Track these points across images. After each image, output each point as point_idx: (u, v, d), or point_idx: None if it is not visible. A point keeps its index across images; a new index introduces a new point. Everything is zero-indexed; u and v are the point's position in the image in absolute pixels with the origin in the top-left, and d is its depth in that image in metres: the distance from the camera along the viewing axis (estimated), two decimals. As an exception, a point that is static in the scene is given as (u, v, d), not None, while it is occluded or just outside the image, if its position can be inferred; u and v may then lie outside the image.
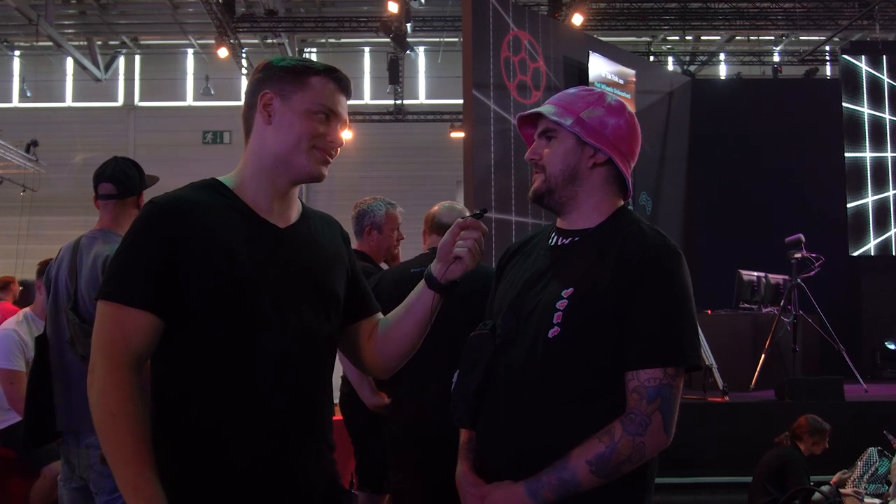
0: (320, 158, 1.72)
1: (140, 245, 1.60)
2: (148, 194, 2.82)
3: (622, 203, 1.87)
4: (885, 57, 10.89)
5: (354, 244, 3.95)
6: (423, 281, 1.82)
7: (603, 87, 9.16)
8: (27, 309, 4.39)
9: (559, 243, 1.85)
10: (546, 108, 1.86)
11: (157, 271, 1.57)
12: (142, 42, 16.56)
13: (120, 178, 3.02)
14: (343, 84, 1.75)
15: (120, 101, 17.07)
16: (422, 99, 16.81)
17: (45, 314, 4.14)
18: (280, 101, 1.69)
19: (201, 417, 1.59)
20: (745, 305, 8.29)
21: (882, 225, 10.65)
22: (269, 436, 1.62)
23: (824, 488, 5.25)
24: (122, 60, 16.98)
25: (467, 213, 3.43)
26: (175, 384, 1.61)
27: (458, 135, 12.83)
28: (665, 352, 1.68)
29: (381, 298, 3.25)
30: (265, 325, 1.62)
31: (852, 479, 5.47)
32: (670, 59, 15.77)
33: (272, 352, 1.63)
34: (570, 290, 1.74)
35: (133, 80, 17.08)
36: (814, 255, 7.66)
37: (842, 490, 5.34)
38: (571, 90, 1.91)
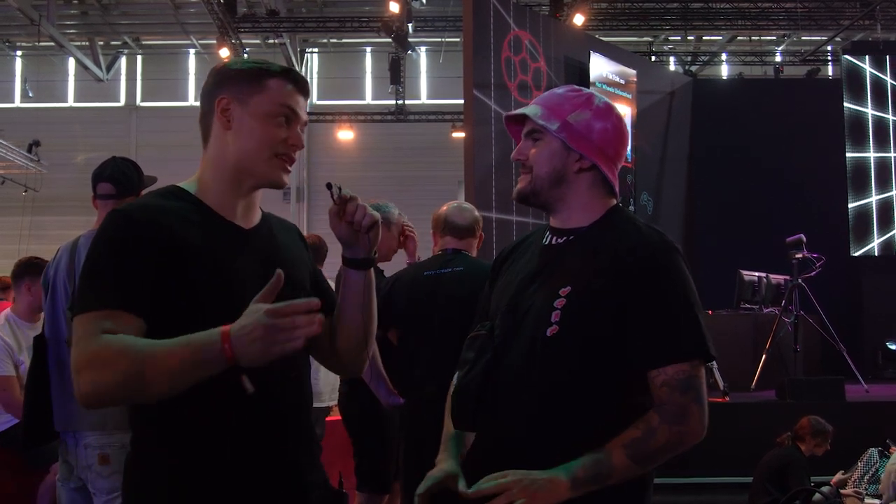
0: (280, 166, 1.69)
1: (110, 252, 1.55)
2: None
3: (614, 202, 1.87)
4: (887, 57, 10.87)
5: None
6: (343, 269, 1.79)
7: (604, 87, 9.16)
8: (7, 310, 4.35)
9: (554, 242, 1.85)
10: (532, 110, 1.84)
11: (130, 274, 1.52)
12: (143, 42, 16.60)
13: (118, 178, 3.03)
14: (301, 85, 1.72)
15: (122, 102, 17.11)
16: (423, 99, 16.82)
17: (29, 314, 4.14)
18: (238, 106, 1.67)
19: (196, 420, 1.58)
20: (746, 306, 8.28)
21: (883, 225, 10.64)
22: (264, 436, 1.62)
23: (825, 489, 5.24)
24: (123, 60, 17.02)
25: (476, 213, 3.42)
26: None
27: (460, 135, 12.84)
28: (688, 346, 1.69)
29: (398, 301, 3.26)
30: None
31: (853, 479, 5.46)
32: (672, 59, 15.77)
33: None
34: (568, 288, 1.73)
35: (135, 80, 17.13)
36: (815, 255, 7.64)
37: (842, 491, 5.34)
38: (559, 90, 1.89)
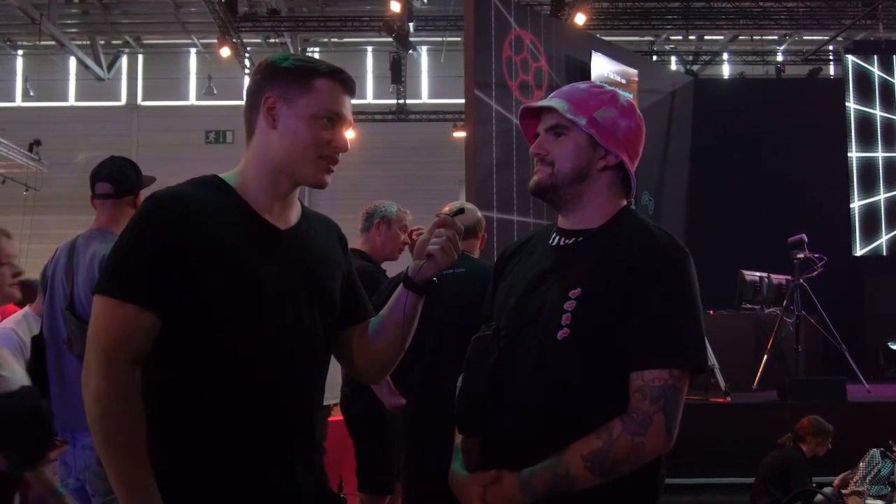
0: (324, 168, 1.69)
1: (141, 240, 1.58)
2: (145, 194, 2.81)
3: (625, 203, 1.84)
4: (888, 56, 10.85)
5: (358, 243, 3.95)
6: (401, 288, 1.80)
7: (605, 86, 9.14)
8: (27, 308, 4.36)
9: (562, 243, 1.82)
10: (558, 104, 1.80)
11: (158, 268, 1.55)
12: (144, 41, 16.59)
13: (117, 178, 3.01)
14: (348, 85, 1.71)
15: (123, 101, 17.10)
16: (424, 98, 16.80)
17: None
18: (284, 105, 1.66)
19: (198, 420, 1.57)
20: (748, 306, 8.26)
21: (885, 225, 10.62)
22: (266, 441, 1.61)
23: (827, 490, 5.23)
24: (124, 60, 17.01)
25: (478, 214, 3.41)
26: (172, 385, 1.59)
27: (461, 134, 12.84)
28: (671, 353, 1.65)
29: None
30: (263, 326, 1.61)
31: (855, 479, 5.44)
32: (673, 58, 15.75)
33: (270, 354, 1.61)
34: (578, 290, 1.70)
35: (136, 79, 17.11)
36: (816, 255, 7.62)
37: (843, 491, 5.32)
38: (581, 85, 1.86)
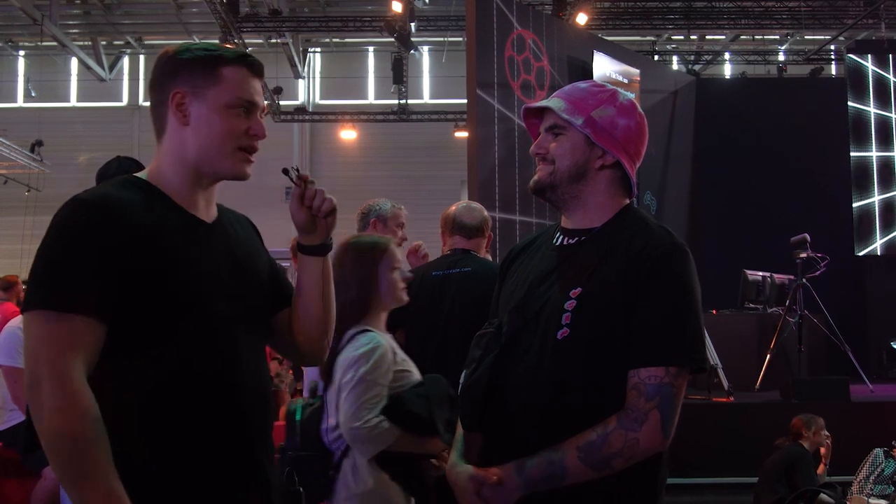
0: (243, 158, 1.65)
1: (78, 247, 1.48)
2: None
3: (627, 202, 1.84)
4: (890, 55, 10.85)
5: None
6: (299, 256, 1.78)
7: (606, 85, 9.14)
8: None
9: (565, 243, 1.82)
10: (555, 103, 1.81)
11: (101, 274, 1.47)
12: (146, 42, 16.60)
13: (122, 178, 3.01)
14: (256, 69, 1.67)
15: (124, 101, 17.12)
16: (426, 98, 16.81)
17: None
18: (194, 100, 1.60)
19: (162, 422, 1.53)
20: (751, 305, 8.26)
21: (888, 224, 10.62)
22: (235, 436, 1.60)
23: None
24: (126, 60, 17.03)
25: (485, 213, 3.40)
26: (128, 391, 1.52)
27: (462, 134, 12.83)
28: (668, 350, 1.65)
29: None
30: (215, 322, 1.59)
31: (858, 479, 5.44)
32: (675, 58, 15.74)
33: (224, 347, 1.60)
34: (579, 290, 1.71)
35: (137, 79, 17.13)
36: (819, 254, 7.62)
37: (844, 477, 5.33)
38: (582, 84, 1.86)
